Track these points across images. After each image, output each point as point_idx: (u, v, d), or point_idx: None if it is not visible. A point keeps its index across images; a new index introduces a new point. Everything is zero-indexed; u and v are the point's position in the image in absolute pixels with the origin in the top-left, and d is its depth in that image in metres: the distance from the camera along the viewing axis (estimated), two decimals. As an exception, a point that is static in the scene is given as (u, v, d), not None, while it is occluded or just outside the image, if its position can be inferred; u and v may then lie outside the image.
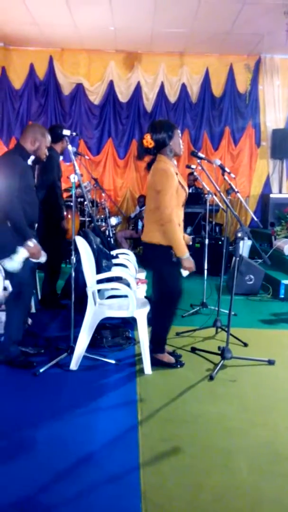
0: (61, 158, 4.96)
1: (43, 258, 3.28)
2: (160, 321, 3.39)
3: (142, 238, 3.38)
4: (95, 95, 8.57)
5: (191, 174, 6.87)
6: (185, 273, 3.24)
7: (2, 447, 2.32)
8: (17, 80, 8.42)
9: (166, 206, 3.13)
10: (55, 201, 4.68)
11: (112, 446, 2.35)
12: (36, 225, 3.54)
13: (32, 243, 3.17)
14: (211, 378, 3.21)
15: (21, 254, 3.16)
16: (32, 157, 3.39)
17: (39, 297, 4.92)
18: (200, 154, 3.62)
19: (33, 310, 4.52)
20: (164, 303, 3.33)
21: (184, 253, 3.17)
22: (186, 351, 3.75)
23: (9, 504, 1.90)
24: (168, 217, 3.13)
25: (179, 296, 3.34)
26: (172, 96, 8.58)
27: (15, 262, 3.16)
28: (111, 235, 6.73)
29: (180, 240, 3.17)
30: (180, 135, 3.32)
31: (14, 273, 3.28)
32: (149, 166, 3.36)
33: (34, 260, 3.26)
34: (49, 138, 3.47)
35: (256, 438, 2.47)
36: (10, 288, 3.46)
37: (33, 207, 3.39)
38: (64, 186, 5.37)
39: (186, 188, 3.33)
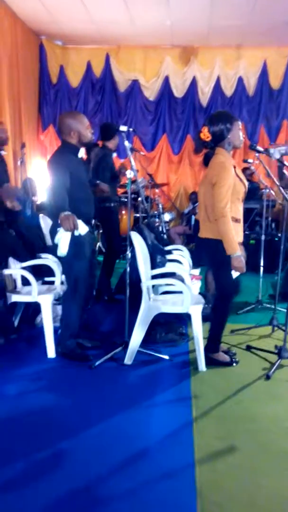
0: (114, 154, 5.01)
1: (82, 230, 3.20)
2: (217, 319, 3.35)
3: (199, 234, 3.33)
4: (151, 91, 8.57)
5: (247, 168, 6.73)
6: (234, 274, 3.14)
7: (59, 438, 2.38)
8: (75, 78, 8.58)
9: (221, 199, 3.04)
10: (109, 198, 4.73)
11: (167, 442, 2.35)
12: (93, 221, 3.60)
13: (65, 213, 3.10)
14: (267, 377, 3.13)
15: (60, 231, 3.14)
16: (82, 149, 3.39)
17: (94, 292, 5.00)
18: (259, 148, 3.53)
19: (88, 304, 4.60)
20: (221, 300, 3.28)
21: (234, 251, 3.05)
22: (241, 349, 3.68)
23: (67, 493, 1.94)
24: (221, 211, 3.04)
25: (235, 293, 3.27)
26: (229, 89, 8.44)
27: (58, 241, 3.16)
28: (164, 231, 6.73)
29: (232, 237, 3.05)
30: (240, 127, 3.20)
31: (71, 267, 3.35)
32: (205, 160, 3.31)
33: (76, 232, 3.18)
34: (82, 119, 3.35)
35: (315, 442, 2.39)
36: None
37: (88, 204, 3.42)
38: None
39: (245, 182, 3.25)
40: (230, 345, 3.73)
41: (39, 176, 7.68)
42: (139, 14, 6.90)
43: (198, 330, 3.25)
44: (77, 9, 6.71)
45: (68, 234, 3.16)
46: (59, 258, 3.74)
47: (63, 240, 3.17)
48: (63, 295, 3.55)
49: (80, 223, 3.18)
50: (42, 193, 7.01)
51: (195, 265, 4.60)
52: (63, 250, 3.19)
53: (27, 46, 7.65)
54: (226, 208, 3.04)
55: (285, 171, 3.53)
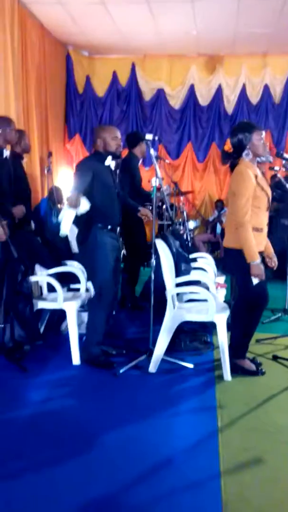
0: (140, 162, 5.04)
1: (83, 206, 3.23)
2: (242, 326, 3.31)
3: (223, 243, 3.32)
4: (176, 100, 8.59)
5: (275, 176, 6.67)
6: (254, 280, 3.12)
7: (83, 445, 2.38)
8: (100, 87, 8.67)
9: (239, 209, 3.05)
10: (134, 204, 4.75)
11: (191, 452, 2.32)
12: (118, 228, 3.61)
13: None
14: (294, 388, 3.07)
15: (63, 209, 3.21)
16: (109, 157, 3.46)
17: (119, 299, 5.01)
18: (286, 155, 3.50)
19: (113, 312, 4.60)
20: (249, 309, 3.24)
21: (253, 259, 3.04)
22: (267, 358, 3.62)
23: (90, 502, 1.94)
24: (241, 220, 3.05)
25: (265, 302, 3.24)
26: (254, 97, 8.39)
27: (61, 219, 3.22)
28: (189, 238, 6.71)
29: (251, 245, 3.05)
30: (262, 135, 3.18)
31: (96, 274, 3.38)
32: (232, 169, 3.30)
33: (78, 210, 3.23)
34: (111, 130, 3.49)
35: None
36: (92, 290, 3.55)
37: (112, 209, 3.46)
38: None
39: (269, 191, 3.22)
40: (256, 354, 3.67)
41: (65, 185, 7.77)
42: (165, 24, 6.95)
43: (223, 338, 3.21)
44: (103, 19, 6.80)
45: (72, 212, 3.20)
46: (84, 265, 3.78)
47: (65, 218, 3.20)
48: (89, 302, 3.57)
49: (82, 201, 3.22)
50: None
51: (222, 272, 4.56)
52: (64, 228, 3.22)
53: (54, 57, 7.78)
54: (245, 217, 3.05)
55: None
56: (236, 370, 3.28)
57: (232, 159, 3.27)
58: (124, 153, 5.13)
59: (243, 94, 8.39)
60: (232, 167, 3.28)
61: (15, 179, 4.20)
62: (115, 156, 3.51)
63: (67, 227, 3.22)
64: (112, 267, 3.45)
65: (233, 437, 2.48)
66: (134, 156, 4.89)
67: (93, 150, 3.59)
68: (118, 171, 4.78)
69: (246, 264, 3.09)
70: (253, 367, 3.33)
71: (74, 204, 3.18)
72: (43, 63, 7.21)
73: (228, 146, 3.20)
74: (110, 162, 3.48)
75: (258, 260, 3.06)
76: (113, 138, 3.45)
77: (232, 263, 3.28)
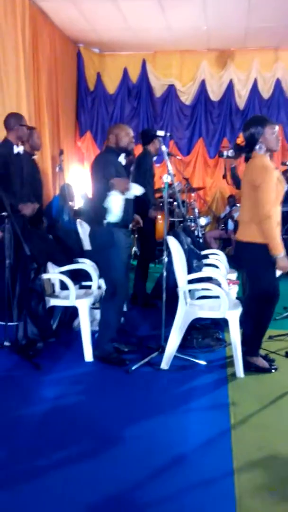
0: (154, 158, 5.05)
1: (135, 190, 3.20)
2: (255, 323, 3.29)
3: (237, 237, 3.30)
4: (187, 96, 8.55)
5: (286, 171, 6.61)
6: (278, 272, 3.13)
7: (95, 441, 2.39)
8: (111, 84, 8.66)
9: (266, 201, 3.05)
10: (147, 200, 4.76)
11: (204, 449, 2.32)
12: (130, 225, 3.61)
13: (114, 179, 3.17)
14: (308, 385, 3.05)
15: (112, 194, 3.15)
16: (123, 154, 3.47)
17: (130, 296, 5.01)
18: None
19: (124, 308, 4.61)
20: (260, 304, 3.22)
21: (279, 252, 3.06)
22: (280, 355, 3.60)
23: (102, 499, 1.94)
24: (267, 213, 3.04)
25: (276, 297, 3.22)
26: (266, 92, 8.32)
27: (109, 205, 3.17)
28: (200, 235, 6.69)
29: (277, 238, 3.07)
30: (275, 129, 3.17)
31: (109, 271, 3.38)
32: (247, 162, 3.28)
33: (128, 194, 3.18)
34: (124, 127, 3.52)
35: None
36: (104, 287, 3.56)
37: (127, 207, 3.44)
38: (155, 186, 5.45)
39: (285, 184, 3.22)
40: (269, 351, 3.65)
41: (76, 182, 7.79)
42: (175, 19, 6.91)
43: (235, 335, 3.20)
44: (114, 16, 6.78)
45: (120, 197, 3.17)
46: (97, 262, 3.79)
47: (115, 203, 3.17)
48: (102, 299, 3.57)
49: (134, 185, 3.20)
50: (79, 199, 7.11)
51: (234, 268, 4.55)
52: (115, 211, 3.17)
53: (65, 54, 7.79)
54: (271, 209, 3.05)
55: None
56: (249, 367, 3.27)
57: (244, 152, 3.26)
58: (137, 149, 5.15)
59: (254, 89, 8.33)
60: (247, 161, 3.27)
61: (28, 176, 4.22)
62: (127, 153, 3.53)
63: (118, 211, 3.17)
64: (126, 264, 3.45)
65: (246, 434, 2.47)
66: (149, 152, 4.90)
67: (104, 147, 3.58)
68: (132, 168, 4.80)
69: (263, 258, 3.10)
70: (266, 364, 3.32)
71: (125, 188, 3.15)
72: (54, 61, 7.23)
73: (240, 140, 3.19)
74: (122, 159, 3.49)
75: (283, 252, 3.08)
76: (126, 134, 3.47)
77: (248, 257, 3.26)
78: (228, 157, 5.05)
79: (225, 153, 4.97)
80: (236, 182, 5.42)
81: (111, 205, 3.18)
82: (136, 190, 3.22)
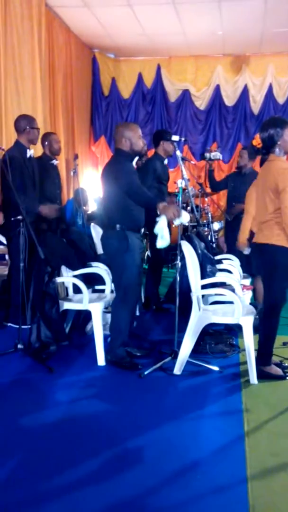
0: (165, 161, 5.02)
1: (185, 218, 3.12)
2: (266, 331, 3.26)
3: (256, 240, 3.26)
4: (201, 101, 8.56)
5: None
6: None
7: (107, 447, 2.38)
8: (126, 89, 8.70)
9: None
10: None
11: (218, 455, 2.30)
12: (143, 230, 3.61)
13: (162, 203, 3.13)
14: None
15: (162, 220, 3.09)
16: (136, 158, 3.46)
17: (143, 300, 5.01)
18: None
19: (137, 313, 4.61)
20: (270, 311, 3.20)
21: None
22: (294, 362, 3.56)
23: (116, 504, 1.93)
24: None
25: (283, 303, 3.20)
26: (281, 97, 8.28)
27: (161, 232, 3.11)
28: (213, 240, 6.66)
29: None
30: None
31: (122, 275, 3.38)
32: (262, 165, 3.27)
33: (176, 222, 3.11)
34: (135, 128, 3.44)
35: None
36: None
37: (140, 211, 3.45)
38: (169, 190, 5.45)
39: None
40: (283, 357, 3.61)
41: (90, 186, 7.81)
42: (191, 25, 6.93)
43: (249, 341, 3.17)
44: (130, 22, 6.82)
45: (165, 222, 3.13)
46: (109, 266, 3.79)
47: (165, 229, 3.12)
48: (113, 303, 3.57)
49: (184, 212, 3.13)
50: (93, 203, 7.13)
51: (247, 274, 4.52)
52: (167, 237, 3.14)
53: (81, 60, 7.85)
54: None
55: None
56: (263, 376, 3.23)
57: (261, 155, 3.24)
58: (150, 153, 5.15)
59: (269, 94, 8.30)
60: (262, 164, 3.25)
61: (44, 180, 4.25)
62: (141, 156, 3.52)
63: (168, 237, 3.15)
64: (138, 268, 3.45)
65: (260, 441, 2.44)
66: (156, 155, 4.85)
67: (115, 149, 3.51)
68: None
69: (283, 262, 3.10)
70: (280, 371, 3.28)
71: (175, 216, 3.09)
72: (69, 66, 7.29)
73: (257, 141, 3.16)
74: (134, 162, 3.49)
75: None
76: (139, 136, 3.43)
77: (267, 259, 3.21)
78: (210, 159, 5.14)
79: (207, 155, 5.06)
80: (212, 184, 5.54)
81: (161, 232, 3.12)
82: (186, 217, 3.12)
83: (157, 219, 3.09)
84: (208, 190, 6.15)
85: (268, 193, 3.11)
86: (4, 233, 4.15)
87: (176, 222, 3.17)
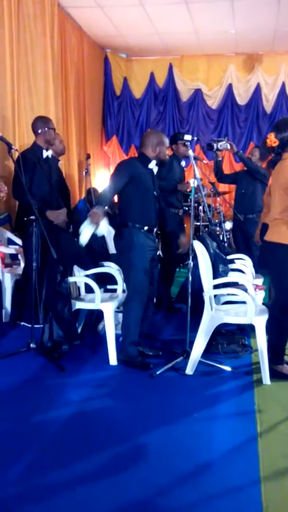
0: (183, 163, 5.05)
1: (101, 230, 3.29)
2: (277, 330, 3.24)
3: (266, 238, 3.24)
4: (213, 100, 8.52)
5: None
6: None
7: (119, 446, 2.38)
8: (138, 89, 8.69)
9: None
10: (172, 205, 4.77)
11: (230, 456, 2.29)
12: (155, 229, 3.60)
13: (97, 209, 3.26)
14: None
15: (85, 224, 3.26)
16: (154, 161, 3.47)
17: (154, 300, 4.99)
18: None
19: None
20: (280, 311, 3.17)
21: None
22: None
23: (127, 505, 1.93)
24: None
25: None
26: (294, 96, 8.23)
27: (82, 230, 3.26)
28: (225, 239, 6.63)
29: None
30: None
31: (129, 273, 3.39)
32: (271, 165, 3.25)
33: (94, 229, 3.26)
34: (166, 141, 3.55)
35: None
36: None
37: (149, 211, 3.46)
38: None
39: None
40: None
41: (102, 186, 7.83)
42: (203, 24, 6.90)
43: (262, 341, 3.15)
44: (142, 22, 6.81)
45: (91, 230, 3.26)
46: (120, 264, 3.79)
47: (85, 232, 3.26)
48: (123, 302, 3.57)
49: (102, 223, 3.27)
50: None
51: (260, 273, 4.49)
52: (83, 240, 3.29)
53: (93, 60, 7.86)
54: None
55: None
56: (275, 375, 3.21)
57: (275, 154, 3.22)
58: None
59: (282, 93, 8.23)
60: (271, 164, 3.23)
61: (57, 180, 4.26)
62: (161, 163, 3.56)
63: (86, 240, 3.29)
64: (147, 267, 3.44)
65: (273, 442, 2.42)
66: (176, 157, 4.90)
67: (140, 152, 3.57)
68: None
69: None
70: (292, 371, 3.26)
71: (96, 222, 3.24)
72: (81, 66, 7.30)
73: (271, 141, 3.13)
74: (153, 166, 3.49)
75: None
76: (166, 147, 3.53)
77: (276, 257, 3.19)
78: (217, 149, 5.10)
79: (214, 145, 5.02)
80: (220, 176, 5.52)
81: (82, 232, 3.26)
82: (102, 228, 3.28)
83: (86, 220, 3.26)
84: (213, 178, 6.12)
85: (279, 191, 3.11)
86: (21, 232, 4.19)
87: (96, 231, 3.29)
